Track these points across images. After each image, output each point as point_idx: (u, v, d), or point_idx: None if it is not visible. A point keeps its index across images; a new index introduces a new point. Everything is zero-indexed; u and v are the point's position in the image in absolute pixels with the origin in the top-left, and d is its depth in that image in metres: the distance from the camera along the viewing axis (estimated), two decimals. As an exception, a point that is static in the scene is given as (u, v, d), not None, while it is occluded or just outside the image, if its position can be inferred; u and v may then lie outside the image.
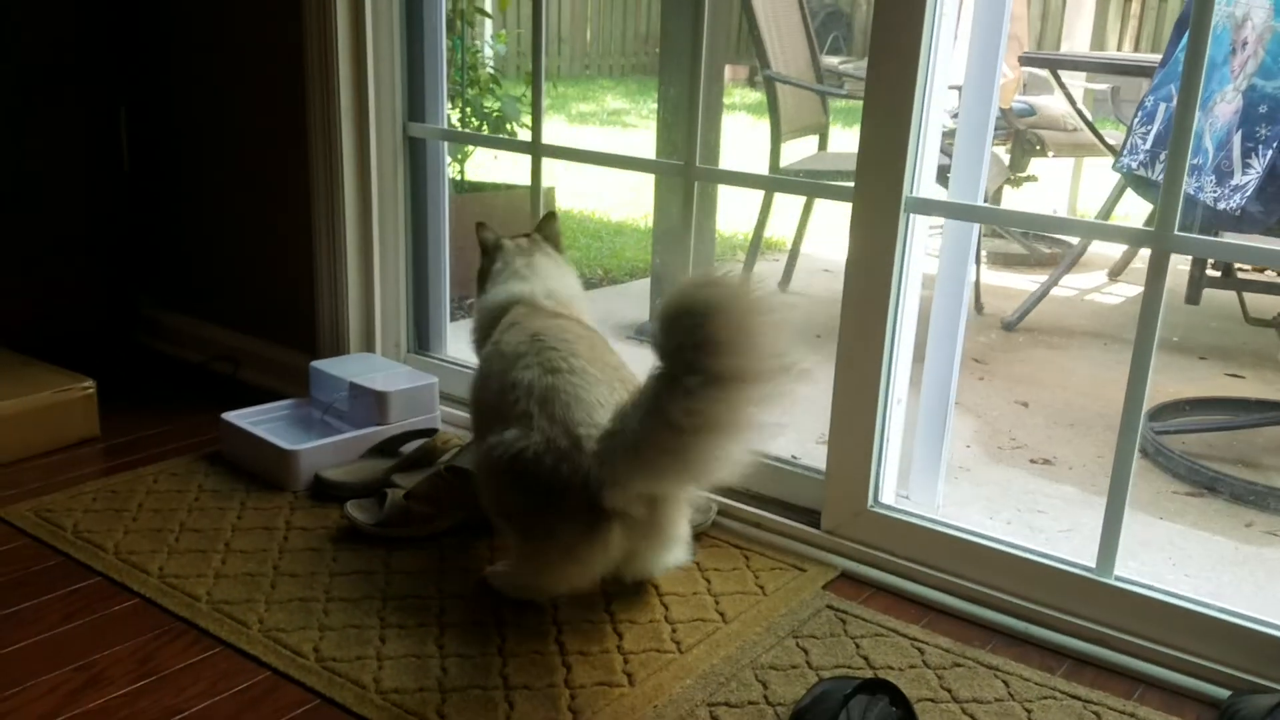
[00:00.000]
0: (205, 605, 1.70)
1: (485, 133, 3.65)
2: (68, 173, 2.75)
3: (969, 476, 2.40)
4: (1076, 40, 5.81)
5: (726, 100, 6.51)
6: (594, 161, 2.38)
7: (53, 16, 2.65)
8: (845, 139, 4.95)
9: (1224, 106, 2.39)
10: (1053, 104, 4.22)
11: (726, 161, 4.48)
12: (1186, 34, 1.57)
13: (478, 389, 1.82)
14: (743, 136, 7.12)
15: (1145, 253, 1.61)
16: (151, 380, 2.67)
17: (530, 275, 1.94)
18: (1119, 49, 8.77)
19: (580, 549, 1.58)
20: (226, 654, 1.59)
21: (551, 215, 2.07)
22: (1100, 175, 4.57)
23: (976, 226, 1.99)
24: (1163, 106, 2.57)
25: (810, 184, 2.51)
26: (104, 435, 2.32)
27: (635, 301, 3.61)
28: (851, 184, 1.81)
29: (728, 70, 7.51)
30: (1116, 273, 4.10)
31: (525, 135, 3.64)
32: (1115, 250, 4.21)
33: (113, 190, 2.84)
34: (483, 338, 1.91)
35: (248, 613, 1.68)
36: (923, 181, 1.78)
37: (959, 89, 2.00)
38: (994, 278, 4.02)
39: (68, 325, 2.79)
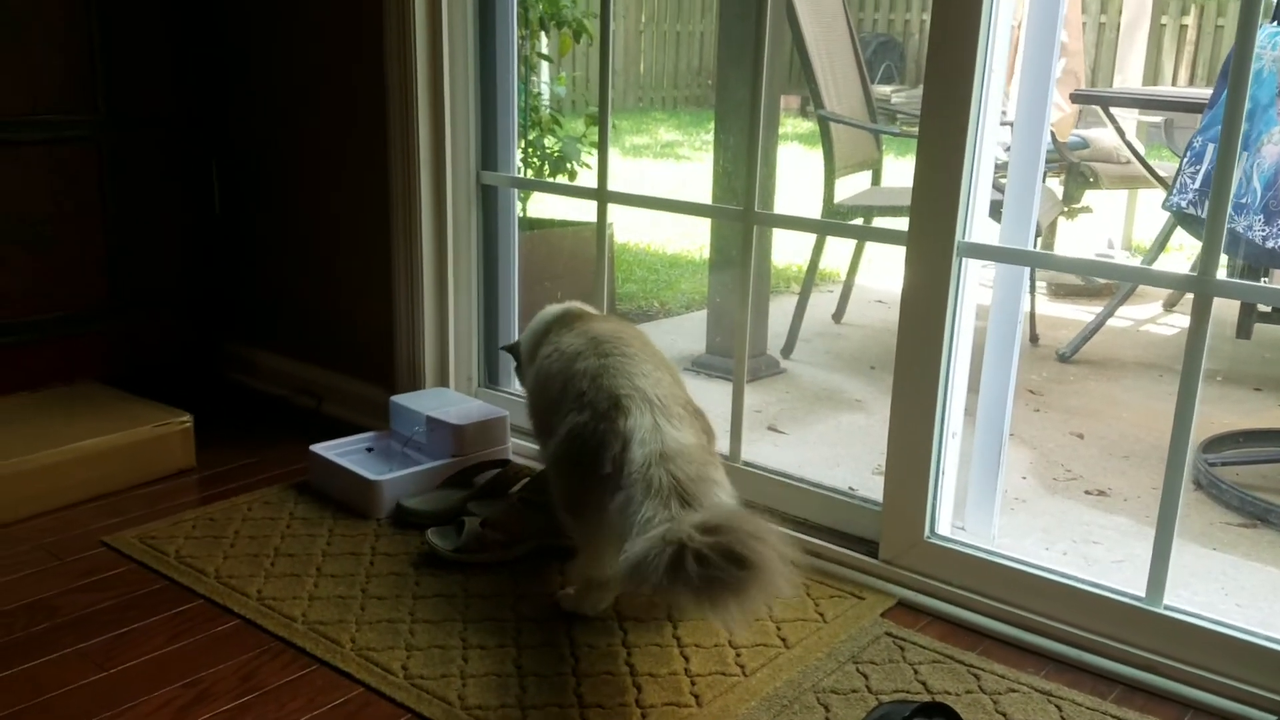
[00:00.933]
0: (301, 625, 1.82)
1: (546, 171, 3.79)
2: (164, 219, 2.93)
3: (1025, 508, 2.46)
4: (1130, 72, 5.83)
5: (779, 132, 6.60)
6: (657, 207, 2.49)
7: (151, 71, 2.83)
8: (898, 171, 5.02)
9: (1271, 148, 2.45)
10: (1105, 137, 4.27)
11: (780, 194, 4.57)
12: (1227, 87, 1.64)
13: (538, 393, 1.97)
14: (795, 166, 7.21)
15: (1190, 295, 1.68)
16: (240, 414, 2.83)
17: (562, 305, 2.12)
18: (1174, 79, 8.74)
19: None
20: (322, 671, 1.71)
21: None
22: (1154, 206, 4.59)
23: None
24: (1210, 147, 2.62)
25: (865, 229, 2.60)
26: (200, 466, 2.47)
27: (691, 334, 3.72)
28: (904, 225, 1.90)
29: (781, 100, 7.60)
30: (1172, 304, 4.12)
31: (584, 172, 3.77)
32: (1170, 281, 4.23)
33: (204, 235, 3.01)
34: (527, 362, 2.06)
35: (340, 633, 1.80)
36: (976, 219, 1.87)
37: (1011, 124, 2.08)
38: (1050, 308, 4.07)
39: (162, 362, 2.96)
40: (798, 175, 6.97)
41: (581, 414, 1.75)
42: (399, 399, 2.46)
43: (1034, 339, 3.63)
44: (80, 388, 2.66)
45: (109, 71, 2.75)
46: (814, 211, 3.62)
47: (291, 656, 1.75)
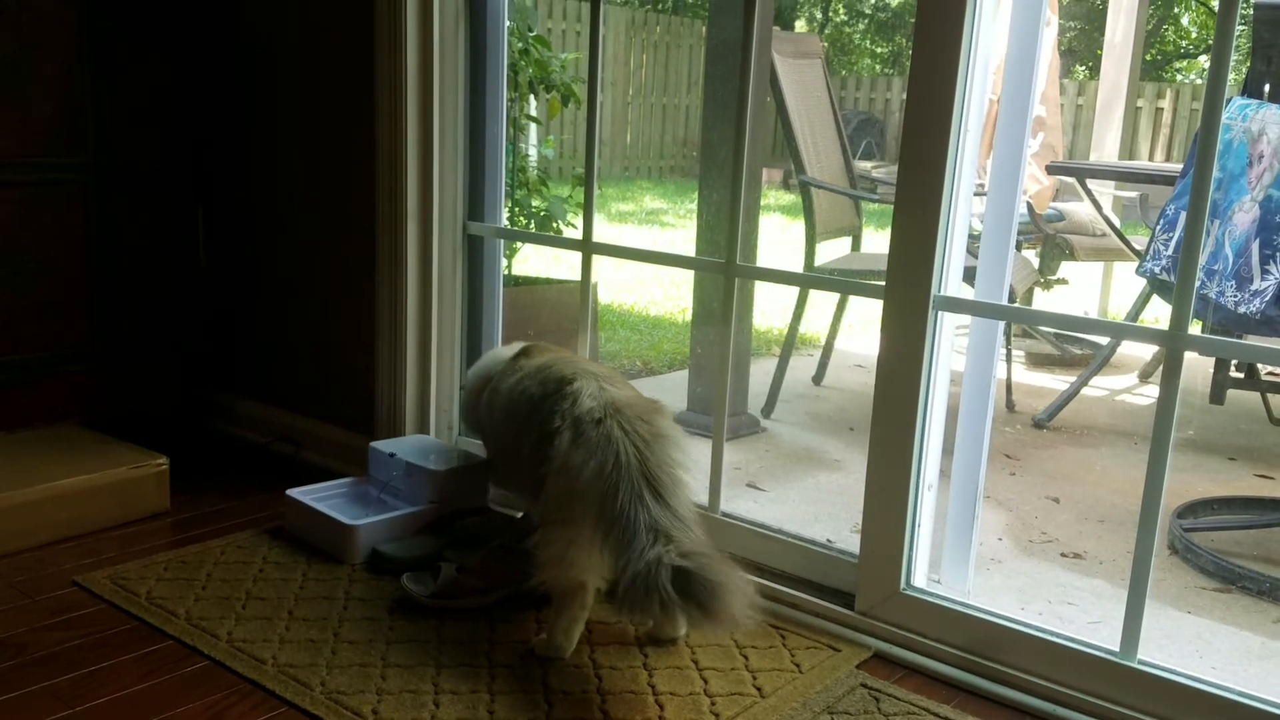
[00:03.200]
0: (271, 668, 1.80)
1: (533, 229, 3.83)
2: (148, 264, 2.94)
3: (1000, 568, 2.47)
4: (1106, 149, 5.97)
5: (762, 202, 6.71)
6: (640, 259, 2.52)
7: (141, 118, 2.87)
8: (877, 240, 5.10)
9: (1242, 216, 2.51)
10: (1081, 210, 4.36)
11: (762, 260, 4.64)
12: (1195, 150, 1.69)
13: (486, 417, 2.07)
14: (777, 237, 7.31)
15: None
16: (218, 460, 2.82)
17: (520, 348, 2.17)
18: (1150, 157, 8.95)
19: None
20: (291, 714, 1.69)
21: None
22: (1130, 279, 4.68)
23: (1001, 325, 2.10)
24: (1183, 214, 2.69)
25: (844, 281, 2.65)
26: (174, 510, 2.46)
27: (672, 392, 3.74)
28: (883, 282, 1.94)
29: (764, 173, 7.75)
30: (1146, 375, 4.18)
31: (570, 233, 3.82)
32: (1145, 352, 4.29)
33: (188, 282, 3.03)
34: (473, 399, 2.17)
35: (311, 676, 1.78)
36: (950, 281, 1.91)
37: (985, 194, 2.13)
38: (1026, 377, 4.11)
39: (142, 407, 2.95)
40: (780, 242, 7.07)
41: (527, 386, 1.92)
42: (378, 444, 2.46)
43: (1010, 406, 3.66)
44: (58, 430, 2.65)
45: (99, 117, 2.78)
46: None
47: (261, 698, 1.73)
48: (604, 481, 1.71)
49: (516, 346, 2.17)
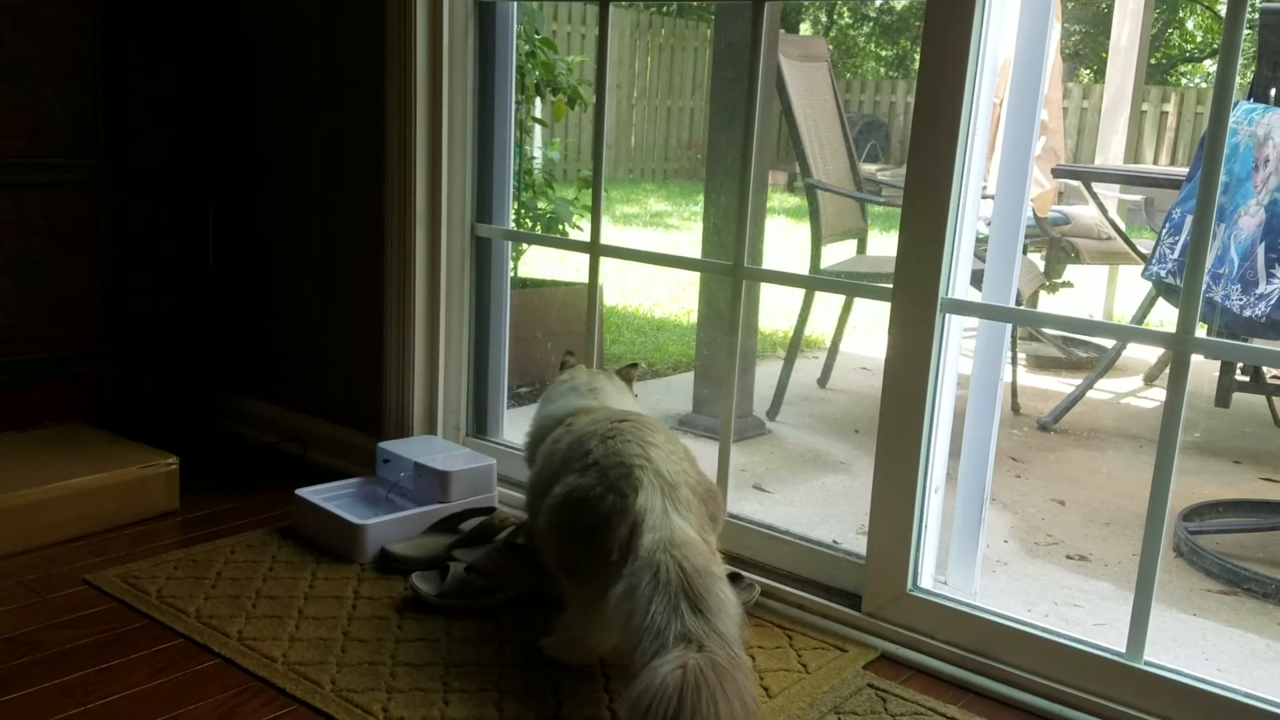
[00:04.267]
0: (281, 666, 1.81)
1: (539, 231, 3.85)
2: (158, 265, 2.96)
3: (1006, 570, 2.48)
4: (1111, 153, 5.98)
5: (768, 204, 6.73)
6: (648, 261, 2.53)
7: (152, 119, 2.88)
8: (883, 243, 5.11)
9: (1248, 220, 2.52)
10: (1086, 213, 4.36)
11: (768, 263, 4.65)
12: (1202, 154, 1.70)
13: (543, 466, 1.90)
14: (783, 240, 7.32)
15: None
16: (227, 459, 2.83)
17: (590, 393, 2.06)
18: (1155, 161, 8.96)
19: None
20: (301, 711, 1.70)
21: (633, 365, 2.25)
22: (1135, 282, 4.68)
23: (1008, 328, 2.11)
24: (1189, 219, 2.69)
25: (852, 284, 2.65)
26: (184, 509, 2.47)
27: (678, 394, 3.75)
28: (890, 285, 1.94)
29: (769, 175, 7.78)
30: (1152, 378, 4.18)
31: (576, 235, 3.83)
32: (1150, 356, 4.30)
33: (198, 282, 3.04)
34: (535, 443, 2.02)
35: (321, 674, 1.79)
36: (958, 284, 1.91)
37: (992, 197, 2.14)
38: (1032, 380, 4.12)
39: (151, 407, 2.96)
40: (785, 245, 7.08)
41: (586, 476, 1.72)
42: (386, 445, 2.47)
43: (1016, 409, 3.67)
44: (68, 429, 2.66)
45: (111, 118, 2.80)
46: (801, 277, 3.67)
47: (271, 696, 1.74)
48: (636, 597, 1.58)
49: (574, 389, 2.07)
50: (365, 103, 2.58)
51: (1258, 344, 2.23)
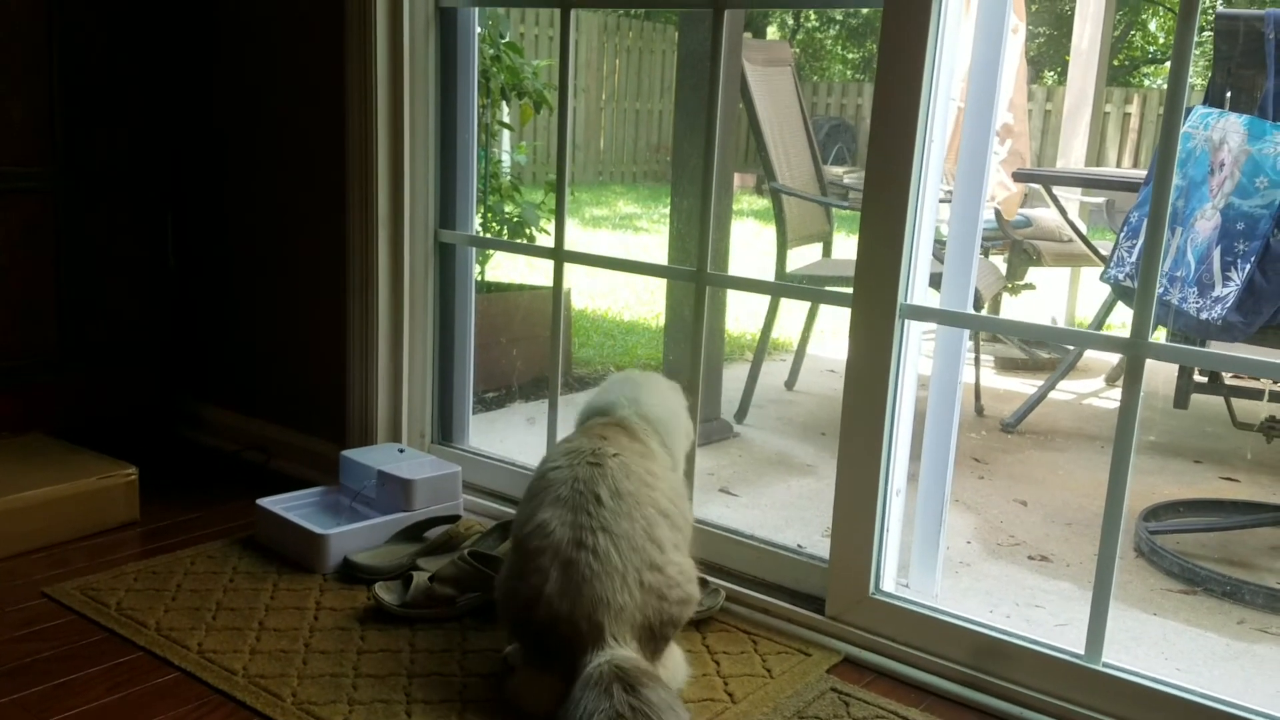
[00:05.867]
0: (242, 679, 1.80)
1: (505, 236, 3.84)
2: (117, 271, 2.92)
3: (969, 571, 2.50)
4: (1074, 156, 6.03)
5: (735, 207, 6.74)
6: (612, 267, 2.53)
7: (109, 123, 2.85)
8: (849, 246, 5.13)
9: (1204, 223, 2.55)
10: (1048, 216, 4.41)
11: (735, 266, 4.66)
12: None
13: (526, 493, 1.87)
14: (750, 242, 7.34)
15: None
16: (188, 469, 2.80)
17: (619, 388, 2.02)
18: (1118, 163, 9.05)
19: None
20: (263, 724, 1.69)
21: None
22: (1096, 284, 4.73)
23: (967, 332, 2.12)
24: (1147, 222, 2.72)
25: (812, 290, 2.67)
26: (144, 519, 2.44)
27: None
28: (850, 290, 1.95)
29: (736, 178, 7.79)
30: (1113, 379, 4.23)
31: (543, 239, 3.82)
32: (1113, 357, 4.35)
33: (158, 289, 3.01)
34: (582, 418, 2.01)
35: (282, 686, 1.78)
36: (917, 288, 1.93)
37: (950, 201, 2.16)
38: (995, 381, 4.15)
39: (112, 416, 2.93)
40: (753, 247, 7.10)
41: (548, 607, 1.67)
42: (349, 453, 2.46)
43: (979, 410, 3.70)
44: (26, 439, 2.63)
45: (68, 122, 2.76)
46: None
47: (231, 709, 1.73)
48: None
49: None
50: (326, 108, 2.56)
51: (1214, 348, 2.26)
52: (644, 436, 1.93)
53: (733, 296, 4.71)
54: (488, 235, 3.71)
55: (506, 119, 4.11)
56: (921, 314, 1.94)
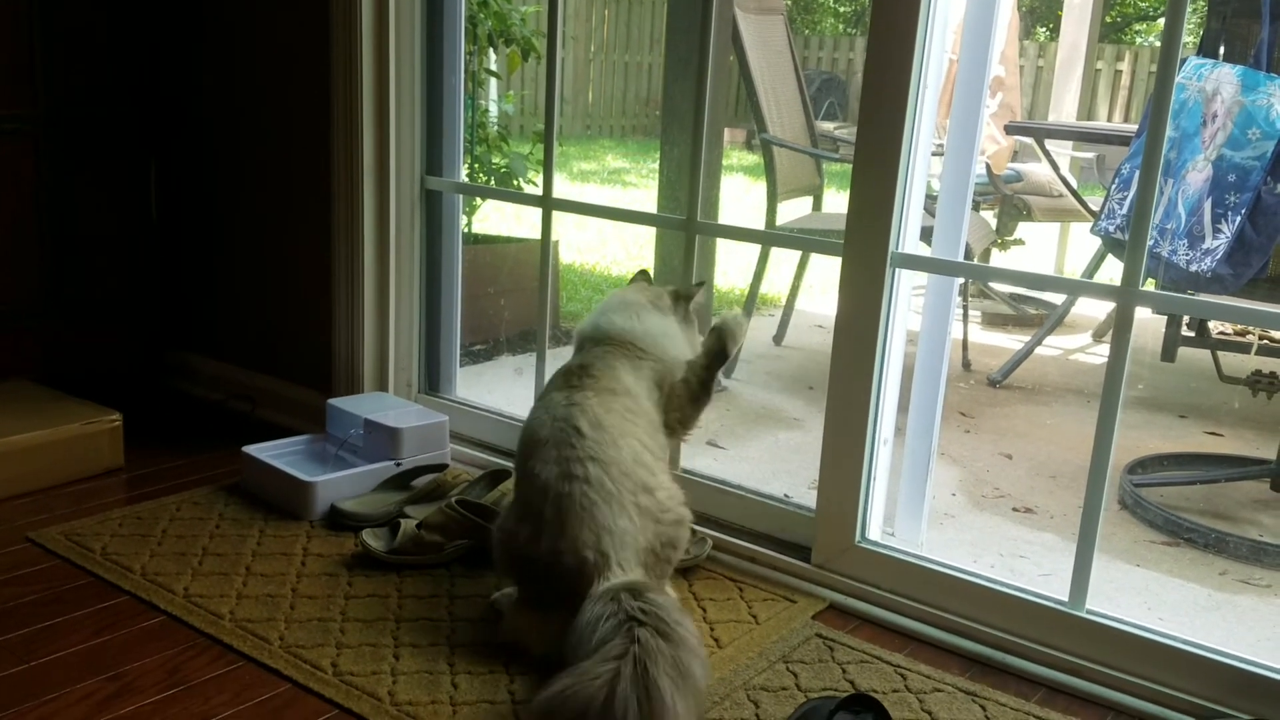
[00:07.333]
0: (228, 623, 1.80)
1: (493, 186, 3.80)
2: (101, 219, 2.88)
3: (954, 523, 2.51)
4: (1065, 110, 6.01)
5: (725, 162, 6.69)
6: (601, 215, 2.51)
7: (91, 67, 2.80)
8: (839, 201, 5.11)
9: (1195, 175, 2.54)
10: (1039, 171, 4.39)
11: (724, 219, 4.63)
12: (1149, 108, 1.70)
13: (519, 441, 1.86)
14: (740, 197, 7.30)
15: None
16: (173, 417, 2.79)
17: (612, 308, 2.04)
18: (1109, 119, 9.02)
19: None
20: (249, 668, 1.69)
21: (699, 284, 2.17)
22: (1086, 239, 4.73)
23: (956, 285, 2.12)
24: (1138, 174, 2.71)
25: (803, 239, 2.65)
26: (129, 466, 2.43)
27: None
28: (842, 240, 1.94)
29: (726, 133, 7.73)
30: (1100, 334, 4.23)
31: (530, 189, 3.79)
32: (1099, 312, 4.35)
33: (141, 238, 2.97)
34: (578, 340, 2.02)
35: (269, 630, 1.78)
36: (908, 239, 1.92)
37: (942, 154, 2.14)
38: (983, 337, 4.15)
39: (97, 364, 2.90)
40: (742, 202, 7.07)
41: (541, 544, 1.67)
42: (336, 401, 2.45)
43: (966, 365, 3.70)
44: (9, 385, 2.60)
45: (49, 65, 2.71)
46: (756, 233, 3.66)
47: (218, 653, 1.73)
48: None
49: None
50: (310, 53, 2.52)
51: (1203, 298, 2.26)
52: (639, 351, 1.92)
53: (722, 252, 4.69)
54: (478, 184, 3.67)
55: (494, 66, 4.05)
56: (913, 262, 1.93)
